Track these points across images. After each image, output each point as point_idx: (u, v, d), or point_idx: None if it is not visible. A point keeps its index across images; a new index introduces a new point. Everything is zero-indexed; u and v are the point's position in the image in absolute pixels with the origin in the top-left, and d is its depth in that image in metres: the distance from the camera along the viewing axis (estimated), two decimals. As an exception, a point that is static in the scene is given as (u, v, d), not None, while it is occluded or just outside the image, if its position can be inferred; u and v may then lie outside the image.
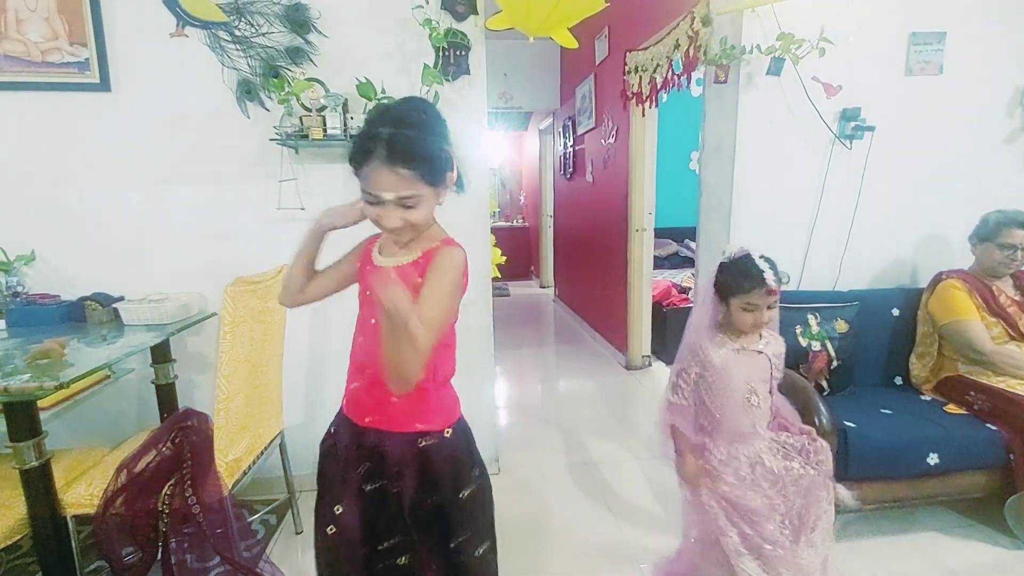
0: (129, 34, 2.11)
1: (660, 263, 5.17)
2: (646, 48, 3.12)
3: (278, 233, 2.27)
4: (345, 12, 2.18)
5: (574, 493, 2.43)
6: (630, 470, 2.59)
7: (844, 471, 1.85)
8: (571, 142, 5.59)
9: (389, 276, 0.97)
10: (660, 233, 4.78)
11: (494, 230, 2.72)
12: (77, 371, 1.45)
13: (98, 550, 1.58)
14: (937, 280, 2.24)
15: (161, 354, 2.13)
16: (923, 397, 2.23)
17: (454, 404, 1.23)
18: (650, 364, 4.13)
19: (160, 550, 1.55)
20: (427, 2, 2.14)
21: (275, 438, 2.05)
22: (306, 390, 2.34)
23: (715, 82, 2.38)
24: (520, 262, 8.54)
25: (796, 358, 2.15)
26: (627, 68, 3.39)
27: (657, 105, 3.44)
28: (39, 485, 1.48)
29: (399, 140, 1.00)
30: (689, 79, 2.67)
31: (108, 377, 2.03)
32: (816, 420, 1.79)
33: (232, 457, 1.69)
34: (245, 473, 1.80)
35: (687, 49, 2.49)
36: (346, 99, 2.14)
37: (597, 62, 4.48)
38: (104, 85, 2.11)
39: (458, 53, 2.21)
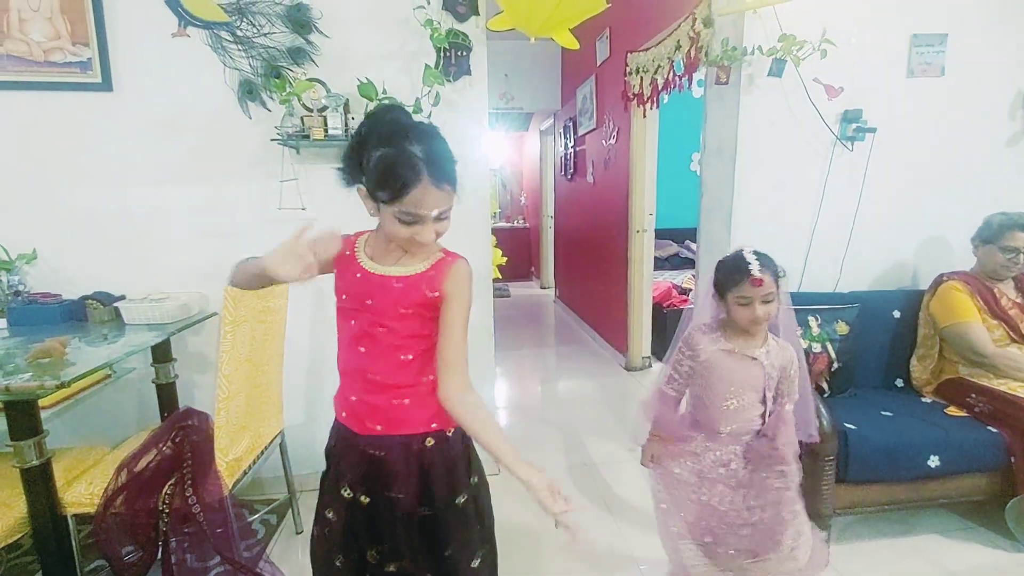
0: (131, 34, 2.11)
1: (661, 264, 5.17)
2: (647, 49, 3.12)
3: (279, 233, 2.22)
4: (347, 12, 2.18)
5: (574, 494, 2.43)
6: (630, 471, 2.59)
7: (844, 473, 1.85)
8: (572, 143, 5.59)
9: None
10: (661, 234, 4.78)
11: (495, 231, 2.72)
12: (78, 370, 1.45)
13: (98, 549, 1.58)
14: (938, 282, 2.24)
15: (162, 353, 2.13)
16: (924, 399, 2.23)
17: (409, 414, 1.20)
18: (650, 365, 4.12)
19: (160, 549, 1.55)
20: (428, 2, 2.14)
21: (275, 438, 2.05)
22: (306, 390, 2.35)
23: (716, 83, 2.38)
24: (521, 263, 8.54)
25: (797, 360, 2.15)
26: (628, 69, 3.39)
27: (658, 106, 3.44)
28: (40, 484, 1.48)
29: (438, 157, 1.02)
30: (690, 80, 2.67)
31: (109, 376, 2.03)
32: (816, 422, 1.78)
33: (232, 457, 1.69)
34: (245, 473, 1.80)
35: (688, 50, 2.49)
36: (347, 99, 2.14)
37: (598, 63, 4.48)
38: (106, 85, 2.11)
39: (459, 54, 2.21)
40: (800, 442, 1.48)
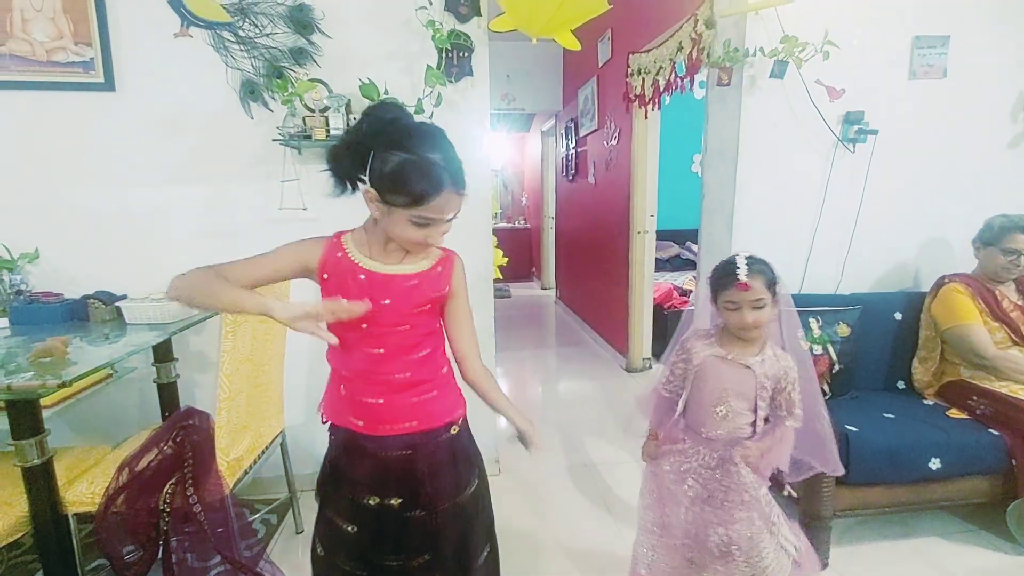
0: (134, 34, 2.12)
1: (661, 265, 5.17)
2: (649, 50, 3.12)
3: (280, 233, 2.24)
4: (348, 13, 2.19)
5: (574, 495, 2.43)
6: (630, 472, 2.58)
7: (845, 475, 1.84)
8: (573, 144, 5.59)
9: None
10: (662, 235, 4.78)
11: (496, 231, 2.72)
12: (80, 370, 1.45)
13: (99, 548, 1.58)
14: (940, 284, 2.24)
15: (163, 353, 2.13)
16: (925, 401, 2.23)
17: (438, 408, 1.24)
18: (651, 366, 4.12)
19: (161, 549, 1.55)
20: (431, 3, 2.14)
21: (276, 437, 2.05)
22: (307, 390, 2.34)
23: (718, 85, 2.38)
24: (522, 263, 8.54)
25: (798, 361, 2.15)
26: (630, 70, 3.39)
27: (660, 107, 3.44)
28: (41, 483, 1.49)
29: (457, 164, 1.05)
30: (692, 81, 2.67)
31: (110, 376, 2.03)
32: (817, 424, 1.78)
33: (233, 456, 1.69)
34: (246, 472, 1.80)
35: (690, 51, 2.49)
36: (349, 100, 2.15)
37: (600, 64, 4.48)
38: (108, 85, 2.11)
39: (461, 55, 2.21)
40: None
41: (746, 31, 2.27)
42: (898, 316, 2.36)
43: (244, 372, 1.72)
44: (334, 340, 1.02)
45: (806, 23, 2.21)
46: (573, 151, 5.62)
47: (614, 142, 4.26)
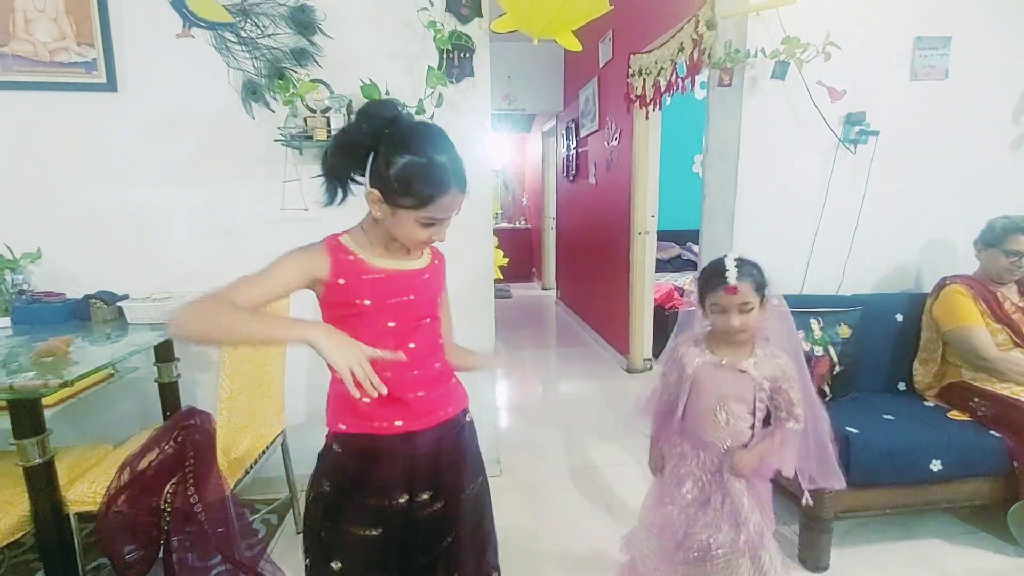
0: (136, 35, 2.12)
1: (662, 266, 5.16)
2: (650, 51, 3.12)
3: (281, 233, 2.27)
4: (350, 14, 2.19)
5: (575, 496, 2.43)
6: (631, 473, 2.58)
7: (846, 477, 1.83)
8: (574, 144, 5.59)
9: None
10: (663, 236, 4.77)
11: (496, 232, 2.72)
12: (81, 369, 1.46)
13: (100, 547, 1.58)
14: (941, 285, 2.24)
15: (164, 353, 2.13)
16: (926, 403, 2.22)
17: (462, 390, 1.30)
18: (651, 367, 4.12)
19: (162, 548, 1.55)
20: (432, 4, 2.15)
21: (277, 437, 2.05)
22: (308, 390, 2.35)
23: (719, 85, 2.38)
24: (522, 264, 8.54)
25: (799, 362, 2.15)
26: (631, 71, 3.40)
27: (661, 108, 3.44)
28: (42, 482, 1.49)
29: (460, 163, 1.06)
30: (693, 82, 2.67)
31: (112, 375, 2.03)
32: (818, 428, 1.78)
33: (234, 456, 1.70)
34: (247, 472, 1.81)
35: (691, 52, 2.50)
36: (350, 100, 2.15)
37: (601, 65, 4.49)
38: (111, 85, 2.12)
39: (462, 55, 2.21)
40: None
41: (747, 32, 2.27)
42: (899, 317, 2.36)
43: (245, 372, 1.72)
44: (401, 357, 1.03)
45: (807, 24, 2.21)
46: (574, 151, 5.62)
47: (615, 143, 4.26)
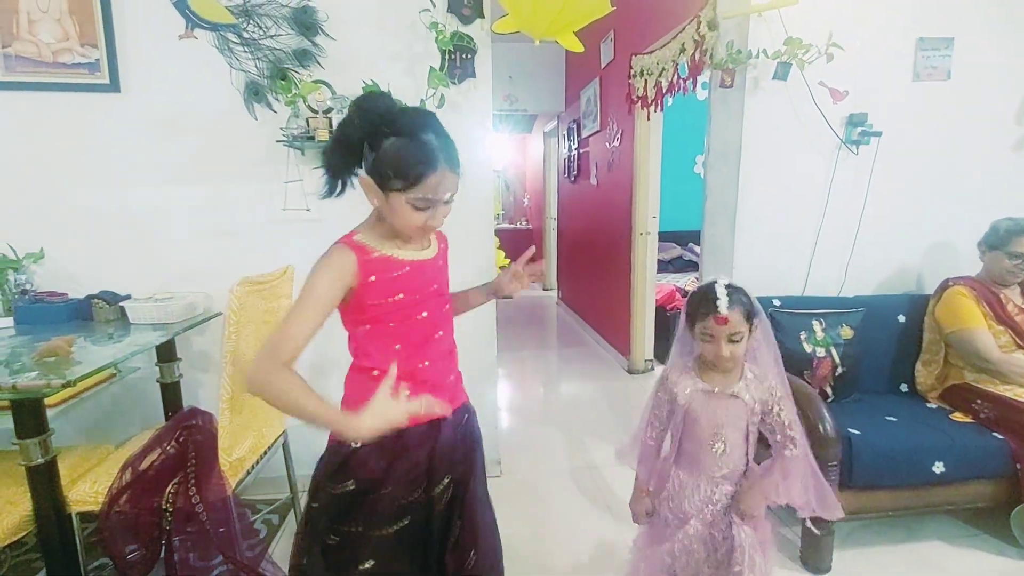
0: (139, 36, 2.13)
1: (664, 267, 5.16)
2: (652, 52, 3.12)
3: (283, 234, 2.29)
4: (352, 15, 2.19)
5: (576, 497, 2.43)
6: (632, 474, 2.57)
7: (848, 479, 1.84)
8: (575, 145, 5.59)
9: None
10: (664, 237, 4.77)
11: (498, 232, 2.72)
12: (84, 369, 1.46)
13: (102, 547, 1.59)
14: (944, 287, 2.23)
15: (166, 353, 2.14)
16: (929, 405, 2.22)
17: None
18: (653, 368, 4.12)
19: (163, 548, 1.56)
20: (434, 5, 2.15)
21: (279, 438, 2.05)
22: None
23: (721, 86, 2.37)
24: (524, 265, 8.52)
25: (800, 364, 2.14)
26: (632, 72, 3.39)
27: (662, 109, 3.44)
28: (45, 482, 1.49)
29: (450, 142, 1.06)
30: (695, 83, 2.67)
31: (114, 375, 2.04)
32: (820, 427, 1.78)
33: (236, 456, 1.70)
34: (248, 472, 1.81)
35: (693, 53, 2.49)
36: (352, 101, 2.15)
37: (602, 65, 4.49)
38: (114, 86, 2.13)
39: (464, 56, 2.22)
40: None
41: (749, 33, 2.27)
42: (901, 319, 2.35)
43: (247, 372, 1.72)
44: (436, 409, 1.04)
45: (809, 25, 2.21)
46: (575, 152, 5.62)
47: (616, 143, 4.26)
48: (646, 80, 3.16)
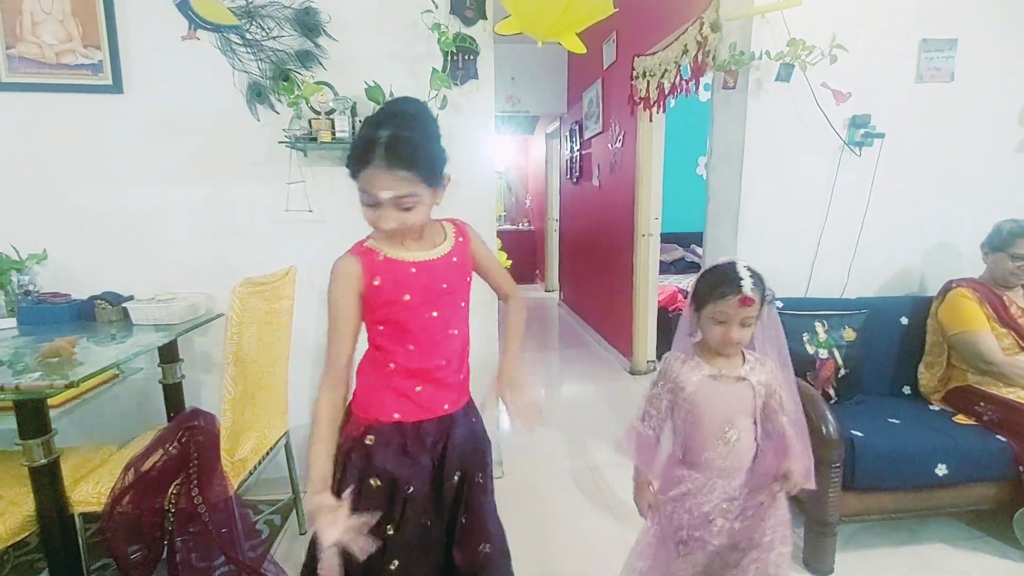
0: (142, 37, 2.13)
1: (666, 268, 5.16)
2: (654, 53, 3.12)
3: (286, 235, 2.29)
4: (355, 16, 2.20)
5: (578, 498, 2.43)
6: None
7: (851, 481, 1.84)
8: (578, 146, 5.59)
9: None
10: (666, 238, 4.77)
11: (499, 233, 2.72)
12: (86, 370, 1.46)
13: (105, 548, 1.59)
14: (947, 289, 2.23)
15: (169, 354, 2.14)
16: (932, 407, 2.21)
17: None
18: (654, 369, 4.10)
19: (166, 549, 1.56)
20: (436, 6, 2.15)
21: (281, 438, 2.06)
22: (312, 391, 2.34)
23: (724, 88, 2.37)
24: (525, 266, 8.53)
25: (803, 366, 2.14)
26: (635, 73, 3.39)
27: (665, 110, 3.44)
28: (47, 482, 1.49)
29: (399, 141, 1.00)
30: (697, 84, 2.67)
31: (117, 376, 2.04)
32: (823, 429, 1.78)
33: (238, 457, 1.70)
34: (251, 473, 1.81)
35: (696, 54, 2.49)
36: (355, 102, 2.15)
37: (605, 66, 4.49)
38: (117, 87, 2.13)
39: (466, 57, 2.22)
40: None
41: (752, 34, 2.27)
42: (904, 321, 2.35)
43: (249, 373, 1.72)
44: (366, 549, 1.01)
45: (812, 26, 2.20)
46: (577, 153, 5.62)
47: (619, 145, 4.26)
48: (648, 81, 3.16)
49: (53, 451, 1.49)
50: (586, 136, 5.25)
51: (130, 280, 2.19)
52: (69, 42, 2.09)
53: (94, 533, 1.71)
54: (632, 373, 4.12)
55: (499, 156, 8.57)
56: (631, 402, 3.58)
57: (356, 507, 1.08)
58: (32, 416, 1.44)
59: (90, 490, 1.57)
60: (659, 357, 4.07)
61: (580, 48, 2.11)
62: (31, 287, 2.10)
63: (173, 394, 2.19)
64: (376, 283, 1.10)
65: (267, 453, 1.94)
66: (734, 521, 1.33)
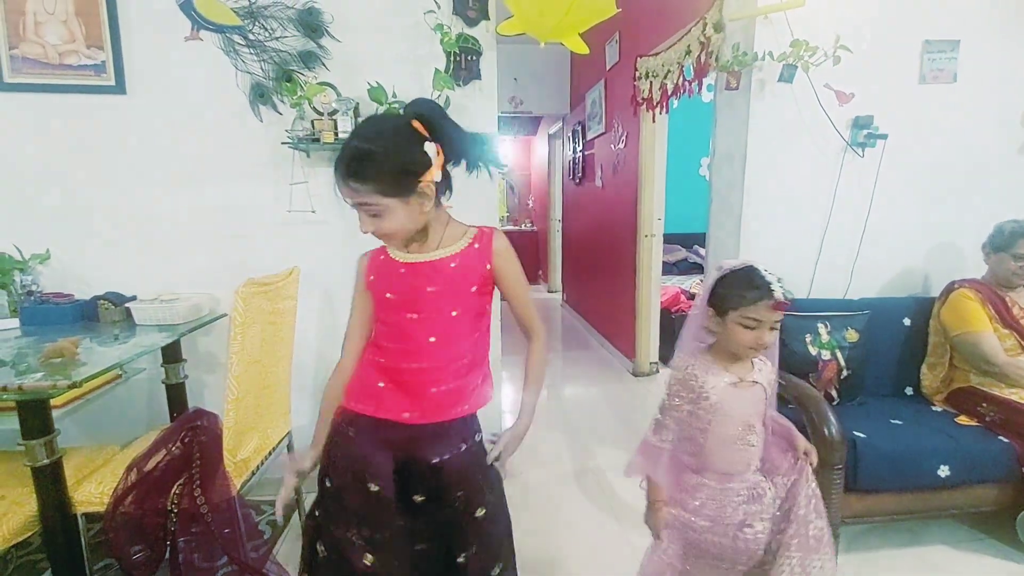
0: (145, 37, 2.14)
1: (669, 269, 5.16)
2: (657, 54, 3.11)
3: (289, 235, 2.29)
4: (357, 17, 2.20)
5: (581, 500, 2.43)
6: (637, 478, 2.57)
7: (853, 482, 1.83)
8: (580, 147, 5.59)
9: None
10: (669, 239, 4.76)
11: (503, 234, 2.72)
12: (89, 370, 1.47)
13: (107, 548, 1.59)
14: (949, 289, 2.22)
15: (172, 354, 2.15)
16: (934, 408, 2.21)
17: (485, 391, 1.31)
18: (658, 371, 4.11)
19: (168, 549, 1.56)
20: (439, 7, 2.15)
21: (283, 439, 2.06)
22: (314, 391, 2.35)
23: (726, 88, 2.37)
24: (528, 266, 8.43)
25: (805, 367, 2.13)
26: (638, 74, 3.39)
27: (668, 111, 3.44)
28: (50, 483, 1.50)
29: (352, 155, 1.05)
30: (700, 85, 2.66)
31: (119, 376, 2.04)
32: (825, 430, 1.77)
33: (241, 457, 1.70)
34: (253, 473, 1.81)
35: (698, 55, 2.49)
36: (357, 103, 2.16)
37: (607, 67, 4.48)
38: (119, 88, 2.14)
39: (469, 58, 2.22)
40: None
41: (755, 35, 2.27)
42: (907, 322, 2.34)
43: (252, 373, 1.73)
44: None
45: (815, 27, 2.20)
46: (580, 154, 5.62)
47: (621, 145, 4.26)
48: (651, 82, 3.16)
49: (56, 451, 1.49)
50: (589, 137, 5.25)
51: (133, 280, 2.19)
52: (72, 42, 2.09)
53: (96, 533, 1.72)
54: (635, 375, 4.12)
55: (502, 156, 8.57)
56: (634, 404, 3.59)
57: (328, 488, 1.19)
58: (35, 416, 1.45)
59: (93, 490, 1.57)
60: (662, 359, 4.07)
61: (583, 49, 2.10)
62: (34, 287, 2.10)
63: (176, 394, 2.19)
64: (371, 279, 1.19)
65: (270, 453, 1.94)
66: (769, 520, 1.31)
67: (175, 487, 1.58)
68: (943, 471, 1.86)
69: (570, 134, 6.06)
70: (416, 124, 1.10)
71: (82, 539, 1.58)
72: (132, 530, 1.54)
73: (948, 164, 2.46)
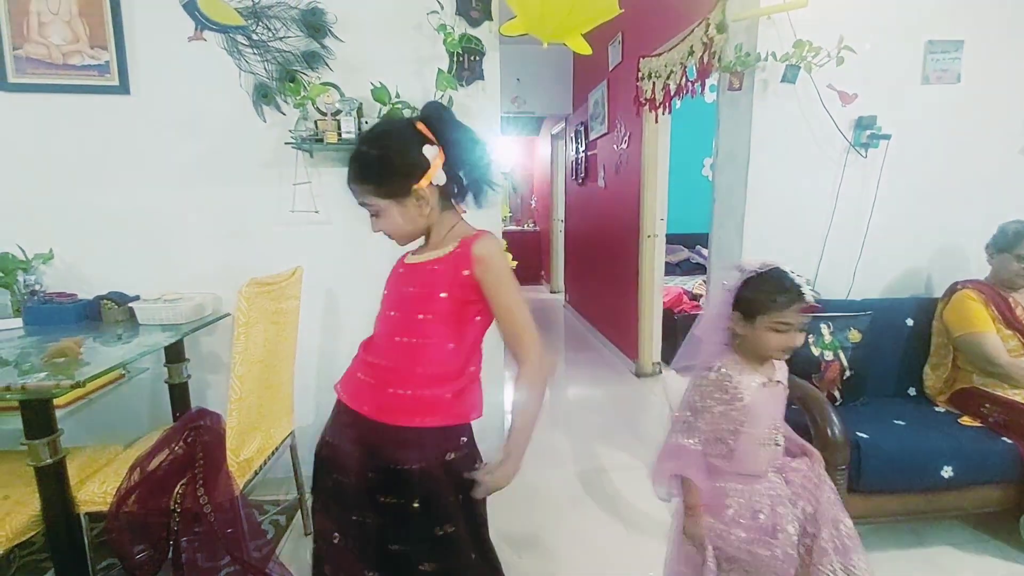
0: (148, 37, 2.14)
1: (671, 269, 5.14)
2: (660, 54, 3.11)
3: (292, 235, 2.30)
4: (361, 17, 2.20)
5: (583, 500, 2.43)
6: (640, 478, 2.57)
7: (856, 483, 1.83)
8: (583, 147, 5.59)
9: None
10: (672, 239, 4.75)
11: (505, 234, 2.72)
12: (93, 370, 1.47)
13: (110, 547, 1.59)
14: (952, 290, 2.22)
15: (175, 354, 2.15)
16: (937, 408, 2.21)
17: (457, 407, 1.15)
18: (660, 371, 4.10)
19: (171, 549, 1.56)
20: (442, 7, 2.16)
21: (286, 438, 2.06)
22: (317, 391, 2.36)
23: (729, 89, 2.37)
24: (530, 267, 8.53)
25: (808, 368, 2.13)
26: (640, 74, 3.38)
27: (670, 111, 3.43)
28: (53, 482, 1.50)
29: (356, 157, 1.12)
30: (703, 86, 2.66)
31: (123, 376, 2.04)
32: (828, 431, 1.77)
33: (244, 457, 1.70)
34: (256, 473, 1.81)
35: (701, 56, 2.49)
36: (360, 103, 2.16)
37: (610, 68, 4.48)
38: (123, 88, 2.14)
39: (472, 58, 2.22)
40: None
41: (758, 35, 2.26)
42: (910, 322, 2.34)
43: (255, 373, 1.73)
44: None
45: (818, 28, 2.19)
46: (583, 154, 5.62)
47: (624, 145, 4.25)
48: (654, 82, 3.16)
49: (59, 451, 1.49)
50: (591, 137, 5.25)
51: (136, 280, 2.20)
52: (76, 43, 2.10)
53: (99, 533, 1.72)
54: (637, 375, 4.11)
55: (505, 157, 8.58)
56: (636, 404, 3.59)
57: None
58: (38, 416, 1.45)
59: (96, 490, 1.58)
60: (664, 359, 4.07)
61: (586, 49, 2.11)
62: (37, 287, 2.11)
63: (179, 394, 2.20)
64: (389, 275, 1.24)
65: (273, 453, 1.94)
66: (796, 521, 1.29)
67: (178, 487, 1.58)
68: (946, 472, 1.86)
69: (573, 134, 6.06)
70: (420, 126, 1.12)
71: (85, 539, 1.58)
72: (135, 530, 1.55)
73: (951, 165, 2.46)
